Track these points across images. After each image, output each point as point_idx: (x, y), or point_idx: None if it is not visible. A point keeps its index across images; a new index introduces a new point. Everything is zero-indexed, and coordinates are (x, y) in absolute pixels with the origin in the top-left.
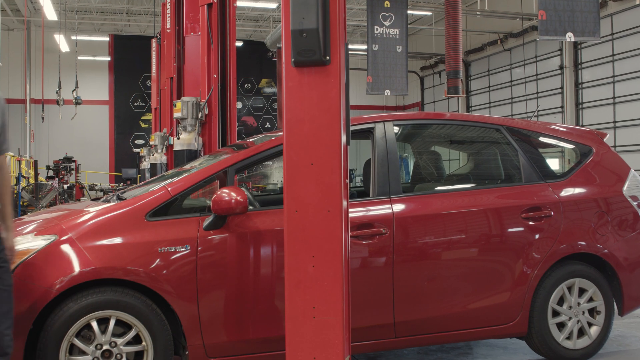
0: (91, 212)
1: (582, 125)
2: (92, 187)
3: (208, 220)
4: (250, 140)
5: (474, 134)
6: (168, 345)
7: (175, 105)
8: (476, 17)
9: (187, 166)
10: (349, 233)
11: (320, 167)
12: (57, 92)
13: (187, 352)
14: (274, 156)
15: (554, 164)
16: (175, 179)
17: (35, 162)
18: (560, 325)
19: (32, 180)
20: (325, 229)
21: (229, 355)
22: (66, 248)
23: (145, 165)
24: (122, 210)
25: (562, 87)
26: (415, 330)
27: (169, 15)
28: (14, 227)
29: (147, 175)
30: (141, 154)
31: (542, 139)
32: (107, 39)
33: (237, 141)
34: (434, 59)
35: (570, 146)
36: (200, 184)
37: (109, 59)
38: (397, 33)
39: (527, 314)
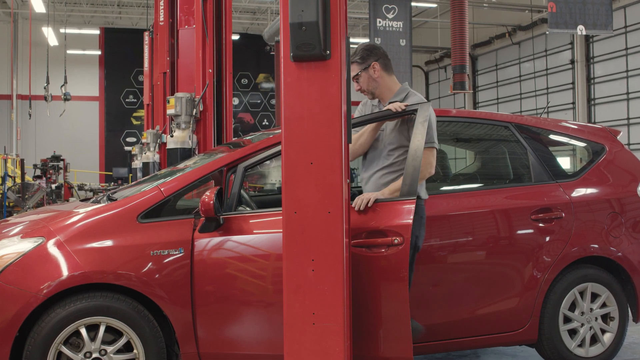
0: (80, 213)
1: (594, 122)
2: (81, 187)
3: (203, 222)
4: (247, 138)
5: (481, 132)
6: (160, 353)
7: (168, 102)
8: (483, 9)
9: (181, 165)
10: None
11: (320, 166)
12: (44, 88)
13: None
14: (272, 155)
15: (564, 163)
16: (169, 179)
17: (22, 161)
18: (572, 332)
19: (18, 180)
20: (326, 231)
21: None
22: (54, 251)
23: (137, 164)
24: (112, 212)
25: (573, 83)
26: (420, 337)
27: (162, 7)
28: None
29: (139, 174)
30: (133, 153)
31: (552, 136)
32: (97, 32)
33: (233, 139)
34: (439, 53)
35: (582, 144)
36: (194, 184)
37: (99, 53)
38: (401, 26)
39: (537, 320)
